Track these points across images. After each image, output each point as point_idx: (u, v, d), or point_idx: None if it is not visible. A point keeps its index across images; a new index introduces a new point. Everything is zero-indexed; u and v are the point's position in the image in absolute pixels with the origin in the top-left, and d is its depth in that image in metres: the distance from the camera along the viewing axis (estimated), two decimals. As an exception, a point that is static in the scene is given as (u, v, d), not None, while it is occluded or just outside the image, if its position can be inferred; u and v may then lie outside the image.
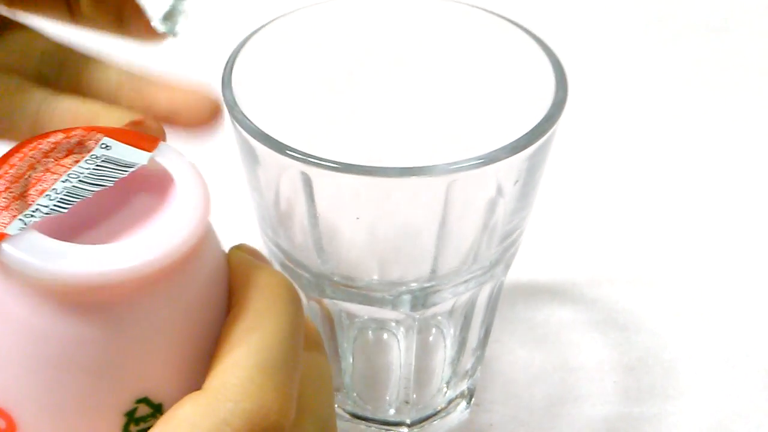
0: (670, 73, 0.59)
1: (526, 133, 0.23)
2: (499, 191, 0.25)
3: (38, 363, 0.18)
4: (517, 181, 0.24)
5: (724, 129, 0.53)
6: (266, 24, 0.28)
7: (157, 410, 0.19)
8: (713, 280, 0.41)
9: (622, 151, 0.51)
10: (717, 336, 0.37)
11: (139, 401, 0.19)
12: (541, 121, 0.24)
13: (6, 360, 0.18)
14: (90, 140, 0.19)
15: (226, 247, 0.21)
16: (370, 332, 0.31)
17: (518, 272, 0.39)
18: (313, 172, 0.23)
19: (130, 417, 0.19)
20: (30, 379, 0.18)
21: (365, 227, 0.26)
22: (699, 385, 0.35)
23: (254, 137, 0.23)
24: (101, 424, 0.19)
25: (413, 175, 0.23)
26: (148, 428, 0.19)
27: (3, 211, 0.17)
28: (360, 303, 0.27)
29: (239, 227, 0.42)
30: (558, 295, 0.39)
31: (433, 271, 0.27)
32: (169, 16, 0.24)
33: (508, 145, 0.23)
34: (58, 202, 0.18)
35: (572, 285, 0.40)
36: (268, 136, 0.23)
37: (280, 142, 0.22)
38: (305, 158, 0.22)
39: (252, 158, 0.24)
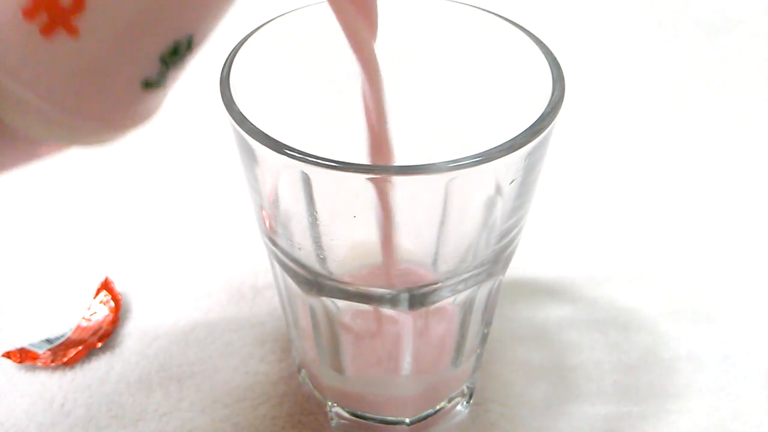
0: (669, 72, 0.59)
1: (524, 131, 0.23)
2: (498, 189, 0.25)
3: None
4: (513, 180, 0.24)
5: (724, 128, 0.53)
6: (266, 23, 0.28)
7: (188, 53, 0.19)
8: (713, 279, 0.41)
9: (621, 150, 0.51)
10: (717, 335, 0.37)
11: (188, 38, 0.19)
12: (538, 119, 0.24)
13: None
14: None
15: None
16: (374, 331, 0.31)
17: (518, 271, 0.40)
18: (312, 171, 0.23)
19: (177, 47, 0.19)
20: None
21: (364, 227, 0.26)
22: (699, 383, 0.35)
23: (253, 136, 0.23)
24: (152, 41, 0.18)
25: (411, 173, 0.23)
26: (176, 64, 0.19)
27: None
28: (359, 302, 0.27)
29: (238, 226, 0.43)
30: (558, 294, 0.39)
31: (432, 271, 0.27)
32: None
33: (506, 143, 0.23)
34: None
35: (572, 284, 0.40)
36: (266, 135, 0.23)
37: (279, 142, 0.22)
38: (304, 157, 0.22)
39: (251, 157, 0.24)
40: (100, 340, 0.37)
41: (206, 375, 0.36)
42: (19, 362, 0.36)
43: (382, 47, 0.30)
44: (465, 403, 0.34)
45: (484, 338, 0.32)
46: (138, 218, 0.45)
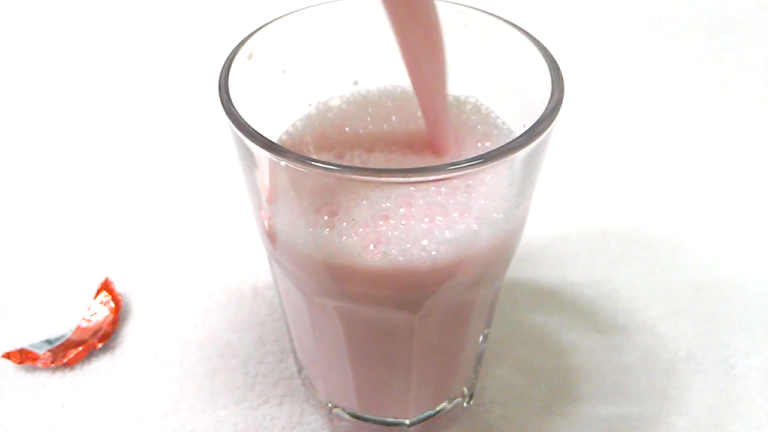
0: (669, 72, 0.59)
1: (523, 134, 0.23)
2: (497, 191, 0.25)
3: None
4: (512, 182, 0.24)
5: (724, 128, 0.53)
6: (263, 26, 0.28)
7: None
8: (712, 280, 0.41)
9: (621, 151, 0.51)
10: (717, 336, 0.37)
11: None
12: (537, 121, 0.24)
13: None
14: None
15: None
16: (374, 332, 0.31)
17: (518, 272, 0.40)
18: (311, 174, 0.23)
19: None
20: None
21: (363, 228, 0.26)
22: (698, 384, 0.35)
23: (251, 139, 0.23)
24: None
25: (411, 176, 0.23)
26: None
27: None
28: (362, 304, 0.27)
29: (237, 227, 0.43)
30: (558, 295, 0.39)
31: (432, 272, 0.27)
32: None
33: (504, 145, 0.23)
34: None
35: (572, 285, 0.40)
36: (265, 138, 0.22)
37: (277, 144, 0.22)
38: (302, 161, 0.22)
39: (249, 160, 0.24)
40: (100, 340, 0.37)
41: (206, 375, 0.36)
42: (19, 363, 0.36)
43: (381, 49, 0.30)
44: (465, 403, 0.34)
45: (484, 338, 0.32)
46: (138, 219, 0.45)
